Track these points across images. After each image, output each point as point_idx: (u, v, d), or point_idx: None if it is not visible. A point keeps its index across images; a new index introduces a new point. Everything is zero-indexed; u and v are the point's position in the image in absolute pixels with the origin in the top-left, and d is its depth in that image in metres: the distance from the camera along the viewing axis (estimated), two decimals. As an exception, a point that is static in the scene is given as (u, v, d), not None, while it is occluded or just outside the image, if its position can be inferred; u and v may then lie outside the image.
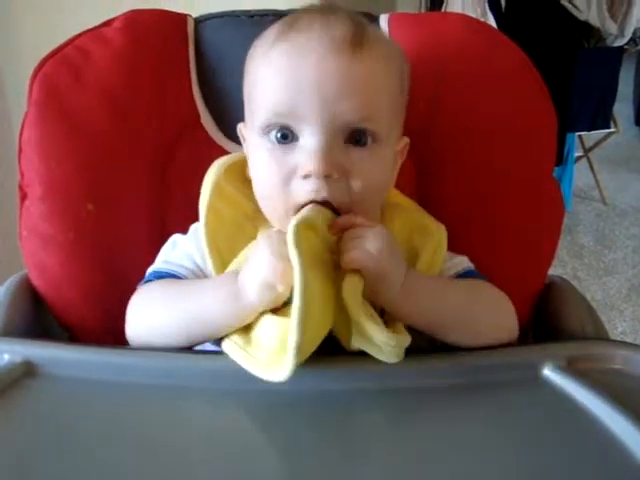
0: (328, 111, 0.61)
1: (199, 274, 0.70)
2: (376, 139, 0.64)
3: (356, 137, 0.63)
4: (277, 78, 0.62)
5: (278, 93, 0.62)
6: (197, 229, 0.71)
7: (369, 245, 0.58)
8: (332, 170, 0.61)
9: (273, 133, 0.63)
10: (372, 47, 0.63)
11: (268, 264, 0.56)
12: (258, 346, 0.58)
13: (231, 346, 0.60)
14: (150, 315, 0.67)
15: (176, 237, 0.74)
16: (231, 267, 0.67)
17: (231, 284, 0.60)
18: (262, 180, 0.66)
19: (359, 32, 0.62)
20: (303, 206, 0.61)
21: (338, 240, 0.60)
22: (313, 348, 0.56)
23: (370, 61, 0.62)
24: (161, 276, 0.70)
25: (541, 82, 0.81)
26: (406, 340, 0.59)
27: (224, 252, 0.69)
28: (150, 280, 0.70)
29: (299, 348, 0.52)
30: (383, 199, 0.70)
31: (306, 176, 0.61)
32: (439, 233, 0.73)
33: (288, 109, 0.62)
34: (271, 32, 0.66)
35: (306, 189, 0.61)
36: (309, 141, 0.61)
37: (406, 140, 0.72)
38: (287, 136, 0.63)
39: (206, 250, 0.68)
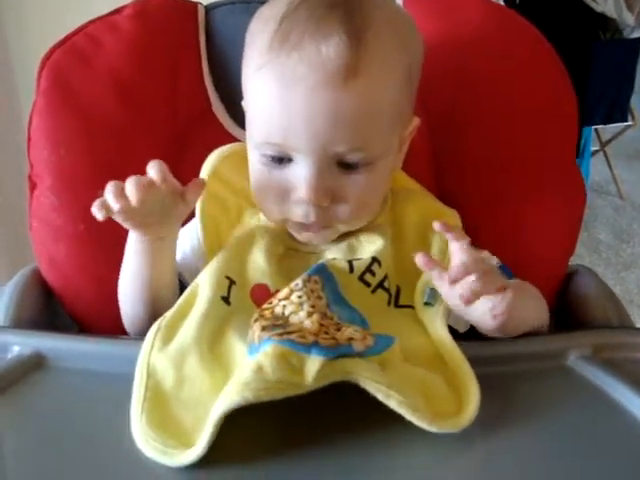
0: (318, 144, 0.60)
1: (191, 265, 0.71)
2: (369, 162, 0.63)
3: (348, 162, 0.62)
4: (268, 106, 0.62)
5: (269, 123, 0.62)
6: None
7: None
8: (323, 199, 0.62)
9: (268, 154, 0.64)
10: (368, 65, 0.59)
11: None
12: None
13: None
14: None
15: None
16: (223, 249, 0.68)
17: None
18: (257, 190, 0.67)
19: (353, 53, 0.58)
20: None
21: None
22: None
23: (365, 86, 0.59)
24: None
25: (559, 63, 0.79)
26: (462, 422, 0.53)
27: (225, 236, 0.70)
28: None
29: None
30: (380, 201, 0.69)
31: (297, 201, 0.63)
32: (453, 218, 0.71)
33: (280, 140, 0.62)
34: (266, 35, 0.61)
35: (298, 212, 0.64)
36: (301, 169, 0.62)
37: (416, 122, 0.70)
38: (282, 159, 0.63)
39: (200, 236, 0.70)
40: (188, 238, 0.72)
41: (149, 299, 0.67)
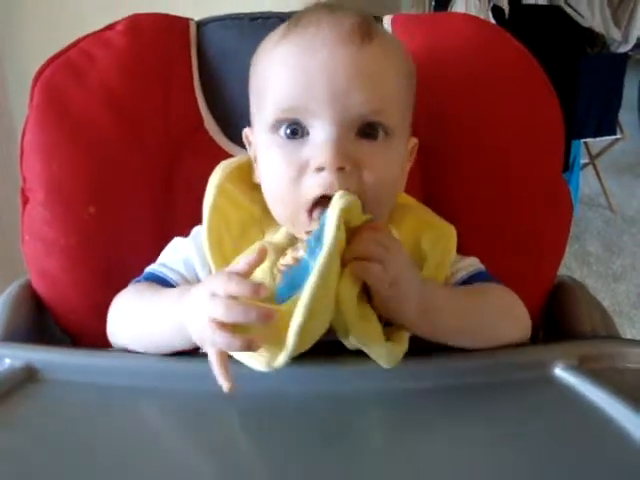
0: (339, 104, 0.59)
1: (192, 280, 0.69)
2: (388, 132, 0.63)
3: (368, 130, 0.62)
4: (286, 73, 0.62)
5: (287, 89, 0.61)
6: (199, 232, 0.70)
7: (390, 268, 0.56)
8: (345, 162, 0.59)
9: (282, 129, 0.62)
10: (381, 40, 0.62)
11: (206, 326, 0.54)
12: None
13: None
14: (120, 321, 0.68)
15: (176, 241, 0.73)
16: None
17: (178, 316, 0.59)
18: (273, 179, 0.64)
19: (367, 24, 0.62)
20: (316, 203, 0.60)
21: (354, 233, 0.57)
22: (312, 341, 0.54)
23: (380, 53, 0.62)
24: (153, 278, 0.69)
25: (546, 79, 0.80)
26: (401, 350, 0.57)
27: (229, 253, 0.67)
28: (139, 281, 0.69)
29: (302, 331, 0.50)
30: (394, 199, 0.68)
31: (318, 169, 0.60)
32: (449, 233, 0.71)
33: (298, 104, 0.61)
34: (277, 32, 0.65)
35: (319, 183, 0.60)
36: (320, 134, 0.60)
37: (415, 141, 0.71)
38: (297, 131, 0.62)
39: (207, 251, 0.67)
40: (194, 249, 0.70)
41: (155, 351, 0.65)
